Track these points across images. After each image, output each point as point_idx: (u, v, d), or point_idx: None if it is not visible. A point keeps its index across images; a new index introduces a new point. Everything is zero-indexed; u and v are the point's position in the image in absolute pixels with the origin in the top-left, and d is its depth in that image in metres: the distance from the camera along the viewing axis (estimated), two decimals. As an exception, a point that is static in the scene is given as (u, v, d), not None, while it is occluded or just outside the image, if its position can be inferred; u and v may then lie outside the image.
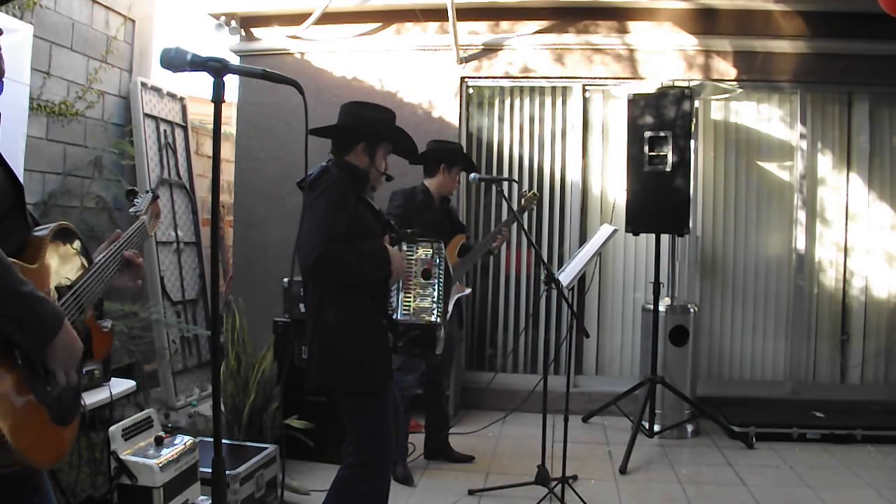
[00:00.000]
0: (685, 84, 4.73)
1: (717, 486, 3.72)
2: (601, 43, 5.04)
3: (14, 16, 3.75)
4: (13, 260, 1.29)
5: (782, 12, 4.89)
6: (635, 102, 4.42)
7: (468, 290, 3.73)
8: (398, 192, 3.72)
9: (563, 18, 5.06)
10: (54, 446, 1.37)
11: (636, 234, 4.51)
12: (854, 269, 5.19)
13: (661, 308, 4.49)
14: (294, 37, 5.21)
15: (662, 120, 4.33)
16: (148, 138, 4.92)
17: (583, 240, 5.00)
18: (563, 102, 5.31)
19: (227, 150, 5.52)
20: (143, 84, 4.98)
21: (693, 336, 4.60)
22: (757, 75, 4.98)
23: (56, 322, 1.32)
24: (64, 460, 2.88)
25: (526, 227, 4.84)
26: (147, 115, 4.96)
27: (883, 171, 5.17)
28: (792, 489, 3.68)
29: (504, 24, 5.12)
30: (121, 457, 2.61)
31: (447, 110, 5.13)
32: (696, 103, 4.93)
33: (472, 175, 3.57)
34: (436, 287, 2.47)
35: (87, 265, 1.57)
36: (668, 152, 4.30)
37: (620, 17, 5.02)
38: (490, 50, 5.13)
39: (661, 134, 4.32)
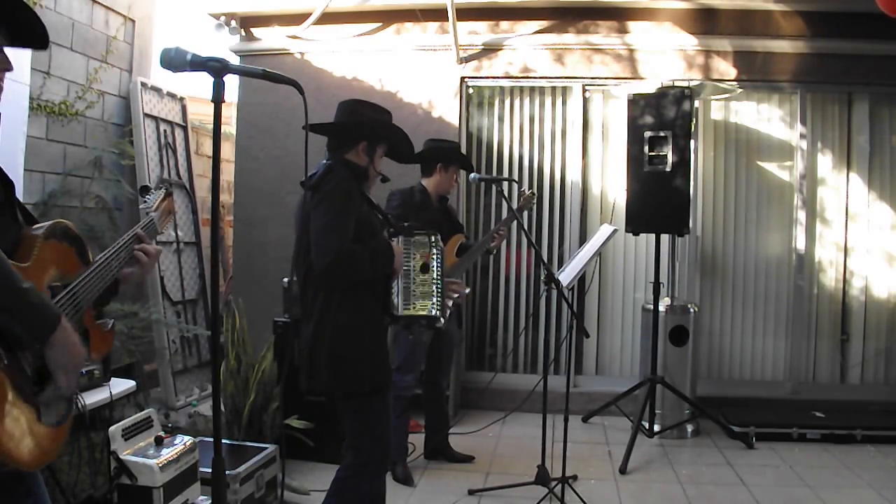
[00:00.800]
0: (685, 84, 4.73)
1: (717, 486, 3.72)
2: (601, 43, 5.04)
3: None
4: None
5: (782, 12, 4.89)
6: (635, 102, 4.42)
7: (468, 290, 3.73)
8: (396, 192, 3.71)
9: (563, 18, 5.06)
10: (41, 448, 1.33)
11: (636, 234, 4.51)
12: (854, 269, 5.19)
13: (661, 308, 4.49)
14: (294, 37, 5.21)
15: (662, 120, 4.33)
16: (148, 138, 4.92)
17: (583, 240, 5.01)
18: (563, 102, 5.31)
19: (227, 150, 5.52)
20: (143, 84, 4.98)
21: (693, 336, 4.60)
22: (757, 75, 4.98)
23: (52, 318, 1.29)
24: (63, 460, 2.89)
25: (526, 227, 4.84)
26: (147, 115, 4.96)
27: (883, 171, 5.17)
28: (792, 489, 3.68)
29: (504, 24, 5.13)
30: (121, 457, 2.61)
31: (447, 110, 5.13)
32: (696, 103, 4.93)
33: (472, 175, 3.57)
34: (434, 279, 2.47)
35: (84, 265, 1.54)
36: (668, 152, 4.30)
37: (620, 17, 5.02)
38: (490, 50, 5.13)
39: (661, 134, 4.32)
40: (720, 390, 5.07)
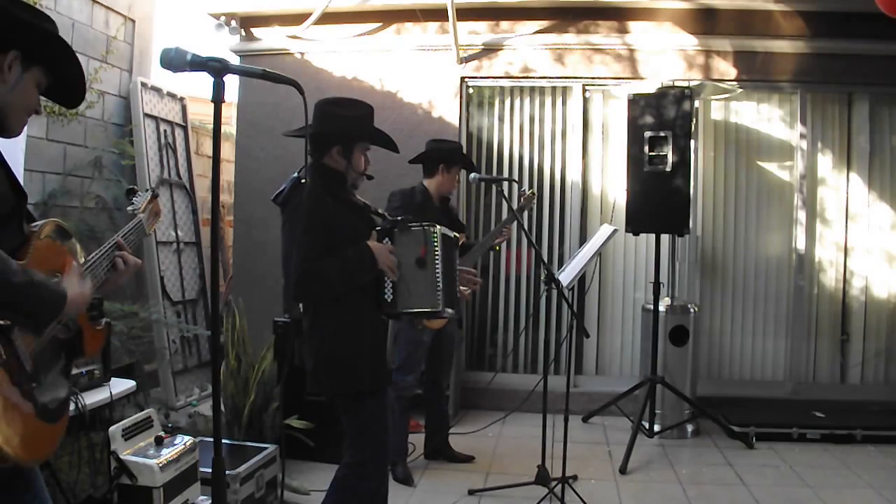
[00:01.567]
0: (685, 84, 4.73)
1: (717, 486, 3.72)
2: (601, 43, 5.04)
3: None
4: None
5: (782, 12, 4.89)
6: (635, 102, 4.42)
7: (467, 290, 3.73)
8: (396, 192, 3.71)
9: (563, 18, 5.06)
10: (39, 443, 1.35)
11: (636, 234, 4.51)
12: (854, 269, 5.19)
13: (661, 308, 4.49)
14: (294, 37, 5.21)
15: (662, 120, 4.33)
16: (148, 138, 4.92)
17: (583, 240, 5.00)
18: (563, 102, 5.31)
19: (227, 150, 5.52)
20: (143, 84, 4.98)
21: (693, 336, 4.60)
22: (757, 75, 4.98)
23: (58, 301, 1.37)
24: (63, 460, 2.89)
25: (526, 227, 4.83)
26: (147, 115, 4.96)
27: (883, 171, 5.17)
28: (792, 489, 3.68)
29: (504, 24, 5.12)
30: (121, 457, 2.61)
31: (447, 110, 5.13)
32: (696, 103, 4.93)
33: (472, 175, 3.56)
34: (432, 272, 2.39)
35: (77, 264, 1.56)
36: (668, 152, 4.30)
37: (620, 17, 5.02)
38: (490, 50, 5.13)
39: (661, 134, 4.32)
40: (720, 390, 5.07)
